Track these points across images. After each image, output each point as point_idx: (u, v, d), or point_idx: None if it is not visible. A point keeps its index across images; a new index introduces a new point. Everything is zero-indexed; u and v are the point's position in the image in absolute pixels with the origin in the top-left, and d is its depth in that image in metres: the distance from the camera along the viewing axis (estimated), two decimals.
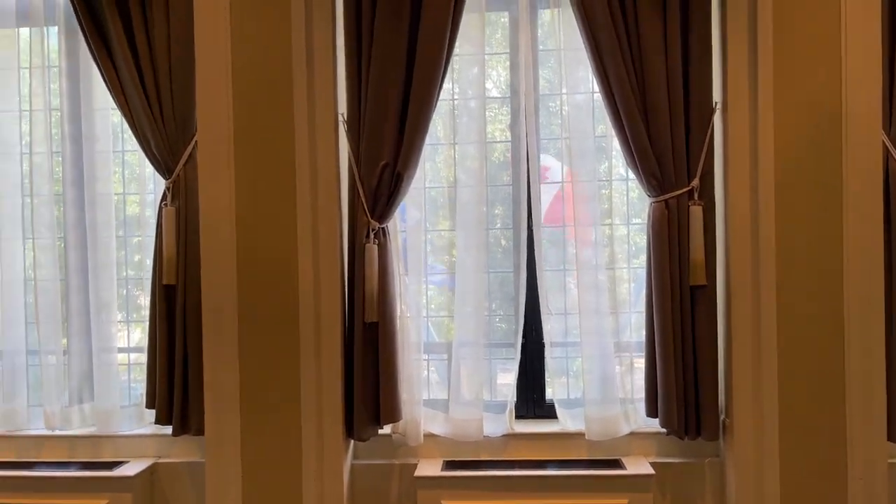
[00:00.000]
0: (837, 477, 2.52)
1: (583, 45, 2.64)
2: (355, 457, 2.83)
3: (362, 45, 2.65)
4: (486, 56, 2.83)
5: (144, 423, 2.88)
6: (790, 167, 2.54)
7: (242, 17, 2.61)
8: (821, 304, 2.53)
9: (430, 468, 2.70)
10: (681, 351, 2.60)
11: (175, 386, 2.68)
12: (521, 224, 2.82)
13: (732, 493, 2.62)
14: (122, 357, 2.96)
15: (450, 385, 2.81)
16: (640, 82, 2.60)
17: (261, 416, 2.62)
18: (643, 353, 2.71)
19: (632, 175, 2.70)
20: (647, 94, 2.60)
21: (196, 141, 2.67)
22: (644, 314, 2.70)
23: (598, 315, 2.76)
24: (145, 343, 2.81)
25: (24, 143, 2.96)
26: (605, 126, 2.78)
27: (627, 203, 2.87)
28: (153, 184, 2.88)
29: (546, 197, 2.90)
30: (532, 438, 2.81)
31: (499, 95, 2.98)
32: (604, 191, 2.83)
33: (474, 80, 2.81)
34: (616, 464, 2.70)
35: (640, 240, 2.83)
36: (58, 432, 2.88)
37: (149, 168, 2.82)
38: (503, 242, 2.95)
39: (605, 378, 2.75)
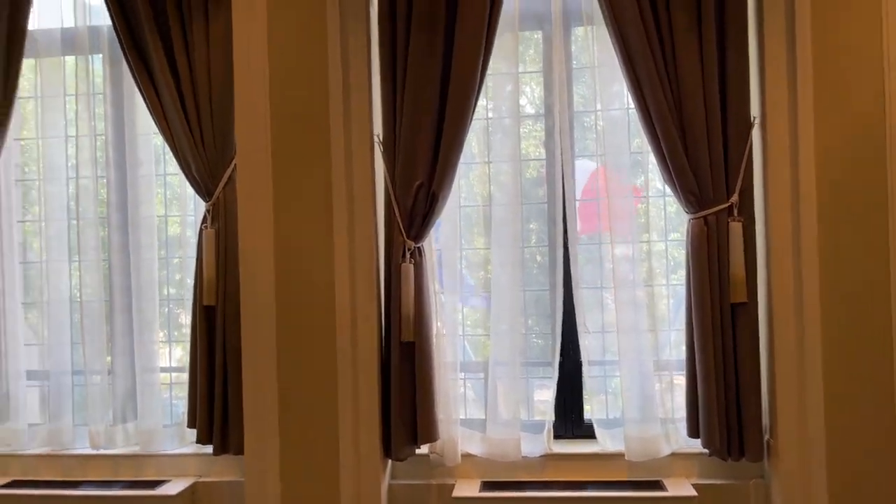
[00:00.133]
0: (890, 500, 2.44)
1: (617, 61, 2.62)
2: (393, 477, 2.82)
3: (397, 68, 2.67)
4: (519, 73, 2.84)
5: (186, 442, 2.93)
6: (832, 181, 2.48)
7: (280, 43, 2.65)
8: (867, 320, 2.46)
9: (467, 489, 2.68)
10: (722, 369, 2.55)
11: (215, 405, 2.72)
12: (557, 241, 2.81)
13: None
14: (164, 376, 3.02)
15: (487, 404, 2.80)
16: (676, 97, 2.58)
17: (299, 436, 2.64)
18: (683, 372, 2.67)
19: (669, 190, 2.67)
20: (684, 109, 2.57)
21: (235, 164, 2.72)
22: (683, 332, 2.66)
23: (636, 333, 2.72)
24: (186, 361, 2.86)
25: (70, 166, 3.04)
26: (640, 140, 2.76)
27: (665, 217, 2.83)
28: (193, 204, 2.94)
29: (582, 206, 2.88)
30: (571, 459, 2.78)
31: (532, 112, 2.98)
32: (640, 205, 2.81)
33: (508, 96, 2.82)
34: (657, 485, 2.65)
35: (679, 254, 2.80)
36: (102, 451, 2.94)
37: (189, 189, 2.88)
38: (538, 258, 2.94)
39: (644, 397, 2.72)
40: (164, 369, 3.02)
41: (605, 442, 2.78)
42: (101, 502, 2.76)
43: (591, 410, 2.83)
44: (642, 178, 2.86)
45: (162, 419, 2.95)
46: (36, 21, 3.00)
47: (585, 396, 2.87)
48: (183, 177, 2.85)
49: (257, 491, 2.64)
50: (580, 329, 2.77)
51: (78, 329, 3.00)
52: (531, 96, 3.01)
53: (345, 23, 2.68)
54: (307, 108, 2.66)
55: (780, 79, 2.54)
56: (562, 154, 2.79)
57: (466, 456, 2.77)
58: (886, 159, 2.46)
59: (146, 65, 2.80)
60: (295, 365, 2.65)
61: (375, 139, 2.72)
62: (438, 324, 2.78)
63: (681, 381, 2.71)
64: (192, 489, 2.84)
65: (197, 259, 2.78)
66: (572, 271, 2.79)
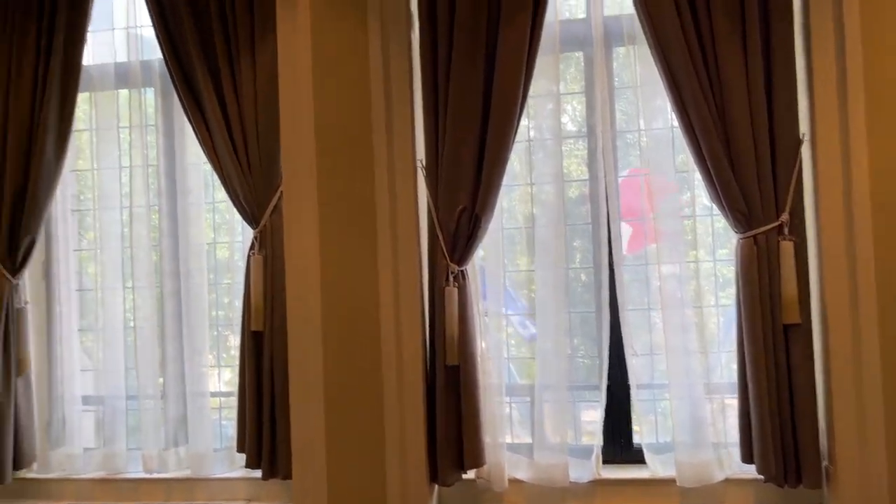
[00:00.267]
0: None
1: (659, 79, 2.60)
2: (440, 502, 2.81)
3: (438, 94, 2.69)
4: (561, 94, 2.83)
5: (236, 466, 2.97)
6: (887, 199, 2.40)
7: (324, 72, 2.69)
8: None
9: None
10: (776, 392, 2.48)
11: (263, 431, 2.75)
12: (602, 262, 2.77)
13: None
14: (213, 400, 3.06)
15: (533, 428, 2.77)
16: (722, 115, 2.54)
17: (346, 461, 2.65)
18: (735, 394, 2.60)
19: (716, 209, 2.62)
20: (729, 127, 2.53)
21: (281, 191, 2.76)
22: (734, 353, 2.59)
23: (686, 354, 2.67)
24: (235, 384, 2.90)
25: (123, 194, 3.13)
26: (685, 155, 2.72)
27: (713, 234, 2.78)
28: (241, 228, 3.00)
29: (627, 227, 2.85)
30: (620, 484, 2.73)
31: (574, 130, 2.96)
32: (687, 221, 2.76)
33: (549, 115, 2.81)
34: None
35: (727, 271, 2.74)
36: (155, 475, 2.99)
37: (237, 214, 2.94)
38: (583, 278, 2.91)
39: (695, 421, 2.65)
40: (213, 393, 3.07)
41: (656, 467, 2.72)
42: None
43: (640, 434, 2.78)
44: (688, 194, 2.81)
45: (212, 443, 2.99)
46: (90, 57, 3.12)
47: (634, 419, 2.82)
48: (230, 203, 2.91)
49: None
50: (627, 351, 2.73)
51: (132, 354, 3.07)
52: (572, 115, 2.99)
53: (386, 51, 2.72)
54: (351, 136, 2.69)
55: (830, 94, 2.48)
56: (605, 173, 2.76)
57: (514, 481, 2.74)
58: None
59: (195, 97, 2.87)
60: (341, 390, 2.66)
61: (418, 164, 2.74)
62: (483, 345, 2.77)
63: (733, 403, 2.64)
64: None
65: (245, 285, 2.83)
66: (618, 292, 2.76)
